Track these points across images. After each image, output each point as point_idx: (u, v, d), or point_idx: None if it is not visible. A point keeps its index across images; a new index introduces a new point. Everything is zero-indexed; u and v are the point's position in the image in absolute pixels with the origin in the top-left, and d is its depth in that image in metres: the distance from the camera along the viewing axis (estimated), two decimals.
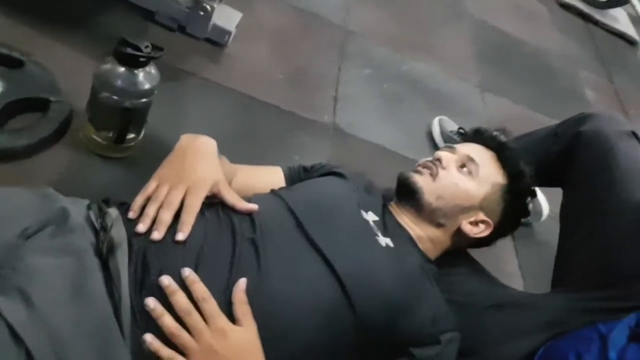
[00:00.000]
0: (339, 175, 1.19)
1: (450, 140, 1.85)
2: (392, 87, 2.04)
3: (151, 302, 0.81)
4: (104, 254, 0.85)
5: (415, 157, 1.81)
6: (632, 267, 1.15)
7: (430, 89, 2.13)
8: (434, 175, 1.14)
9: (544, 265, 1.48)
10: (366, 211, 1.09)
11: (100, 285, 0.81)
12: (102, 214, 0.90)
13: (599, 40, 3.21)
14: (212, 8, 1.69)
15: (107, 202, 0.96)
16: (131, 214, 0.91)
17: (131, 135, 1.32)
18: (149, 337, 0.79)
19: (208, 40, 1.75)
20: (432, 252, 1.16)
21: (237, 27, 1.79)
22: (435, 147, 1.88)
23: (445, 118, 1.93)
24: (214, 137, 1.41)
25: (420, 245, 1.13)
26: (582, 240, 1.24)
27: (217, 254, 0.90)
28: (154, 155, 1.35)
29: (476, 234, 1.16)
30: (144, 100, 1.25)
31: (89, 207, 0.93)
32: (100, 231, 0.86)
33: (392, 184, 1.42)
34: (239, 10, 1.83)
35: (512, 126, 1.94)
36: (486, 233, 1.17)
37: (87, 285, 0.79)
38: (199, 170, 0.98)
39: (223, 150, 1.16)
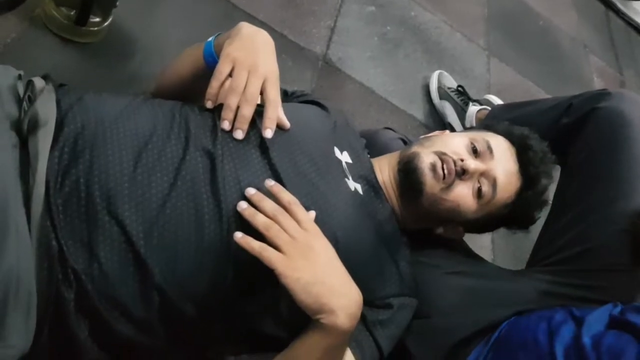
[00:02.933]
0: (322, 107, 1.07)
1: (446, 96, 1.73)
2: (394, 31, 1.89)
3: (244, 204, 0.78)
4: (24, 131, 0.72)
5: (404, 107, 1.70)
6: (611, 262, 1.07)
7: (433, 41, 1.99)
8: (447, 185, 0.99)
9: (517, 243, 1.39)
10: (341, 151, 0.99)
11: (10, 162, 0.69)
12: (29, 85, 0.77)
13: (616, 29, 3.08)
14: None
15: (46, 79, 0.83)
16: (209, 104, 0.87)
17: (96, 19, 1.17)
18: (239, 234, 0.75)
19: None
20: (403, 222, 1.05)
21: None
22: (429, 101, 1.76)
23: (445, 73, 1.81)
24: (185, 44, 1.27)
25: (390, 203, 1.03)
26: (569, 223, 1.14)
27: (162, 153, 0.79)
28: (116, 50, 1.22)
29: (447, 236, 1.09)
30: None
31: (19, 77, 0.80)
32: (24, 102, 0.73)
33: (370, 127, 1.32)
34: None
35: (511, 96, 1.85)
36: (457, 237, 1.12)
37: None
38: (272, 62, 0.90)
39: None
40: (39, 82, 0.78)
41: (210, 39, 0.96)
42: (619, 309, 0.95)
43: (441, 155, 0.99)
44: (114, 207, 0.73)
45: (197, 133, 0.83)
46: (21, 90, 0.78)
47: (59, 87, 0.84)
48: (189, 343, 0.83)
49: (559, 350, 0.89)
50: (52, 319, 0.70)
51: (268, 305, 0.84)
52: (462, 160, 0.98)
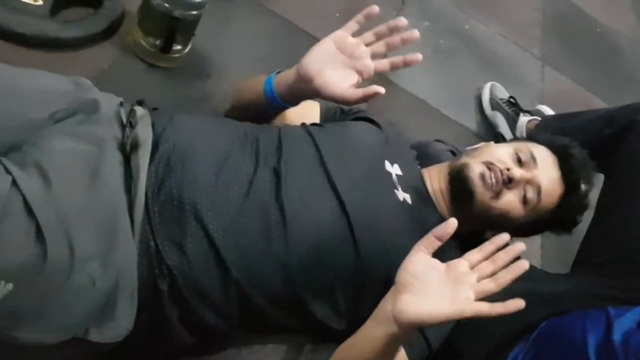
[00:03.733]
0: (374, 123, 1.18)
1: (498, 107, 1.80)
2: (448, 43, 1.98)
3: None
4: (127, 150, 0.87)
5: (457, 118, 1.78)
6: None
7: (486, 52, 2.06)
8: (496, 193, 1.06)
9: (564, 249, 1.45)
10: (392, 164, 1.09)
11: (118, 177, 0.83)
12: (132, 112, 0.92)
13: None
14: None
15: (141, 104, 0.98)
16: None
17: (177, 47, 1.32)
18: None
19: None
20: None
21: None
22: (481, 111, 1.83)
23: (497, 85, 1.88)
24: (254, 62, 1.42)
25: (442, 214, 1.12)
26: (613, 227, 1.21)
27: (238, 169, 0.92)
28: (196, 71, 1.37)
29: None
30: (193, 12, 1.25)
31: (121, 104, 0.95)
32: (127, 127, 0.88)
33: (422, 138, 1.41)
34: None
35: (565, 105, 1.89)
36: None
37: (103, 175, 0.81)
38: None
39: (261, 72, 1.16)
40: (139, 110, 0.93)
41: (272, 74, 1.09)
42: None
43: (489, 165, 1.07)
44: (199, 214, 0.86)
45: (265, 152, 0.96)
46: (124, 116, 0.92)
47: (153, 110, 1.00)
48: (261, 331, 0.96)
49: (591, 348, 0.96)
50: (149, 306, 0.84)
51: (327, 300, 0.96)
52: (508, 169, 1.06)
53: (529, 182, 1.08)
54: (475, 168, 1.08)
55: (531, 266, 1.30)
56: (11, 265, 0.69)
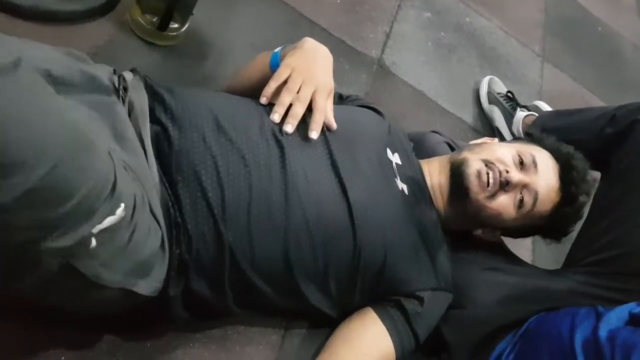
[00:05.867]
0: (377, 111, 1.17)
1: (495, 101, 1.80)
2: (448, 36, 1.97)
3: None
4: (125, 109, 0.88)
5: (454, 110, 1.77)
6: None
7: (487, 46, 2.05)
8: (491, 193, 1.06)
9: (557, 245, 1.44)
10: (393, 152, 1.08)
11: (135, 135, 0.84)
12: (120, 78, 0.92)
13: None
14: None
15: (133, 72, 0.97)
16: (263, 100, 0.98)
17: (175, 25, 1.31)
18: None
19: None
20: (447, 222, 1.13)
21: None
22: (479, 105, 1.83)
23: (495, 79, 1.87)
24: (255, 47, 1.41)
25: (437, 209, 1.12)
26: (607, 227, 1.20)
27: (243, 139, 0.91)
28: (193, 52, 1.36)
29: (485, 238, 1.19)
30: None
31: (114, 72, 0.94)
32: (120, 91, 0.88)
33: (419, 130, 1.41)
34: None
35: (563, 103, 1.89)
36: (494, 239, 1.21)
37: (127, 135, 0.82)
38: (328, 76, 1.01)
39: None
40: (127, 75, 0.93)
41: (277, 49, 1.08)
42: (638, 308, 1.01)
43: (488, 164, 1.07)
44: (200, 181, 0.85)
45: (270, 124, 0.95)
46: (116, 82, 0.92)
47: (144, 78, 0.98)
48: (255, 309, 0.96)
49: (578, 344, 0.96)
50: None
51: (321, 284, 0.96)
52: (507, 171, 1.05)
53: (526, 186, 1.07)
54: (474, 165, 1.07)
55: (523, 262, 1.32)
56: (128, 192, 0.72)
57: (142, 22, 1.29)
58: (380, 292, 1.01)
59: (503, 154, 1.09)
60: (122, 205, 0.69)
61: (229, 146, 0.88)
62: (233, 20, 1.49)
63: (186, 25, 1.33)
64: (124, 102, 0.88)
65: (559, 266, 1.30)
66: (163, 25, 1.28)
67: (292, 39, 1.09)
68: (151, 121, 0.88)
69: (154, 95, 0.92)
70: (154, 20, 1.28)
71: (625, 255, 1.15)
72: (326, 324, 1.04)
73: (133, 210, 0.72)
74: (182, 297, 0.86)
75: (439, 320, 1.07)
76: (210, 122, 0.90)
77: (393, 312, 1.01)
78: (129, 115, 0.87)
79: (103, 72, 0.91)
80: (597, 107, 1.49)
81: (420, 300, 1.02)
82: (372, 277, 0.98)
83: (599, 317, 1.02)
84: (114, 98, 0.87)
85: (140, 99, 0.89)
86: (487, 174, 1.06)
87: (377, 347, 0.98)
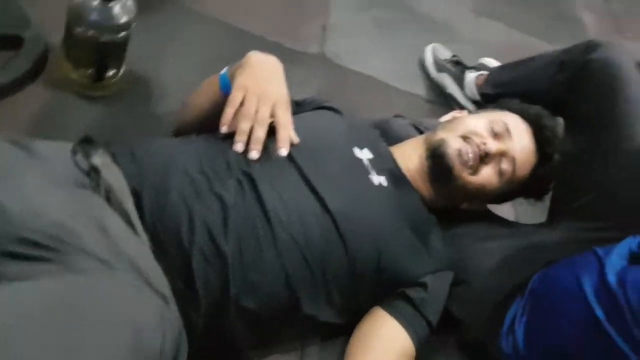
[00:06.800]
0: (333, 110, 1.15)
1: (443, 68, 1.80)
2: (383, 14, 1.95)
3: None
4: (104, 196, 0.82)
5: (407, 88, 1.77)
6: (629, 197, 1.14)
7: (422, 15, 2.05)
8: (474, 169, 1.07)
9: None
10: (361, 148, 1.07)
11: (119, 223, 0.79)
12: (87, 154, 0.86)
13: None
14: None
15: (90, 141, 0.92)
16: (224, 129, 0.93)
17: (111, 72, 1.26)
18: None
19: None
20: (432, 203, 1.13)
21: None
22: (428, 77, 1.83)
23: (438, 46, 1.87)
24: (195, 69, 1.37)
25: (419, 191, 1.11)
26: (583, 173, 1.21)
27: (215, 187, 0.88)
28: (136, 92, 1.31)
29: (471, 208, 1.20)
30: (121, 34, 1.19)
31: (74, 152, 0.87)
32: (91, 173, 0.83)
33: (383, 115, 1.40)
34: None
35: (508, 52, 1.90)
36: (480, 207, 1.23)
37: (111, 228, 0.76)
38: (281, 87, 0.99)
39: (204, 79, 1.12)
40: (88, 149, 0.86)
41: (224, 70, 1.05)
42: (637, 240, 1.02)
43: (465, 139, 1.08)
44: (190, 240, 0.84)
45: (235, 159, 0.92)
46: (82, 162, 0.85)
47: (106, 146, 0.93)
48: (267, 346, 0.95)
49: (590, 294, 0.97)
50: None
51: (325, 299, 0.95)
52: (484, 143, 1.06)
53: (503, 154, 1.09)
54: (453, 144, 1.07)
55: (512, 223, 1.33)
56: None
57: (76, 77, 1.24)
58: (383, 289, 1.01)
59: (476, 125, 1.10)
60: None
61: (207, 196, 0.86)
62: (167, 48, 1.45)
63: (122, 69, 1.28)
64: (98, 185, 0.82)
65: (543, 219, 1.32)
66: (99, 75, 1.23)
67: (230, 54, 1.06)
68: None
69: (121, 165, 0.88)
70: (89, 72, 1.23)
71: (604, 192, 1.16)
72: (339, 332, 1.03)
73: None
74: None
75: (445, 300, 1.07)
76: (181, 177, 0.87)
77: (400, 305, 1.01)
78: (108, 199, 0.82)
79: (62, 153, 0.85)
80: (544, 53, 1.50)
81: (423, 285, 1.02)
82: (372, 277, 0.98)
83: (600, 261, 1.03)
84: (87, 191, 0.82)
85: (115, 178, 0.84)
86: (467, 149, 1.06)
87: (394, 343, 0.98)
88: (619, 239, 1.07)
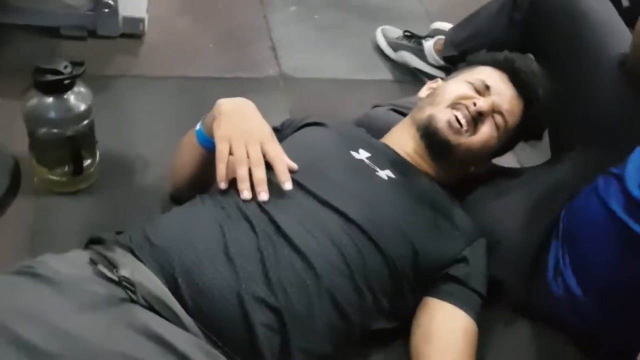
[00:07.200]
0: (315, 124, 1.15)
1: (399, 47, 1.80)
2: (323, 16, 1.96)
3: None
4: (142, 302, 0.80)
5: (371, 77, 1.77)
6: (620, 112, 1.14)
7: (360, 4, 2.05)
8: (472, 132, 1.07)
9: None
10: (357, 150, 1.06)
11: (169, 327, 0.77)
12: (109, 263, 0.83)
13: None
14: (115, 1, 1.58)
15: (102, 241, 0.89)
16: (222, 185, 0.92)
17: (88, 161, 1.24)
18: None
19: (124, 35, 1.64)
20: (443, 179, 1.12)
21: (147, 10, 1.68)
22: (387, 59, 1.82)
23: (387, 27, 1.87)
24: (166, 128, 1.37)
25: (426, 172, 1.11)
26: (567, 101, 1.21)
27: (241, 243, 0.86)
28: (118, 172, 1.29)
29: (479, 170, 1.19)
30: (85, 122, 1.17)
31: (94, 262, 0.84)
32: (123, 283, 0.79)
33: (358, 111, 1.39)
34: None
35: (459, 11, 1.89)
36: (486, 166, 1.22)
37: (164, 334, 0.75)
38: (260, 123, 0.98)
39: (180, 136, 1.11)
40: (118, 258, 0.83)
41: (197, 126, 1.04)
42: None
43: (455, 106, 1.07)
44: (236, 313, 0.81)
45: (248, 208, 0.90)
46: (107, 271, 0.81)
47: (117, 235, 0.91)
48: None
49: (619, 211, 0.97)
50: None
51: (376, 310, 0.93)
52: (474, 104, 1.06)
53: (494, 109, 1.09)
54: (441, 116, 1.07)
55: (520, 170, 1.32)
56: None
57: (55, 178, 1.22)
58: (426, 279, 0.99)
59: (459, 88, 1.10)
60: None
61: (239, 259, 0.84)
62: (133, 119, 1.44)
63: (97, 156, 1.27)
64: (135, 296, 0.79)
65: (546, 157, 1.31)
66: (78, 169, 1.21)
67: (196, 105, 1.06)
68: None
69: (143, 259, 0.85)
70: (66, 170, 1.21)
71: (596, 116, 1.16)
72: (398, 335, 1.01)
73: None
74: None
75: (487, 267, 1.05)
76: (208, 249, 0.85)
77: (448, 287, 1.00)
78: (151, 308, 0.79)
79: (81, 276, 0.81)
80: (490, 1, 1.50)
81: (464, 260, 1.02)
82: (412, 272, 0.97)
83: (619, 178, 1.02)
84: (125, 306, 0.78)
85: (146, 278, 0.81)
86: (458, 117, 1.06)
87: (455, 326, 0.97)
88: (627, 154, 1.06)
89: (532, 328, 1.11)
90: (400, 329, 1.00)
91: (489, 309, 1.09)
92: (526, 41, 1.31)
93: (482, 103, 1.06)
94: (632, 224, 0.95)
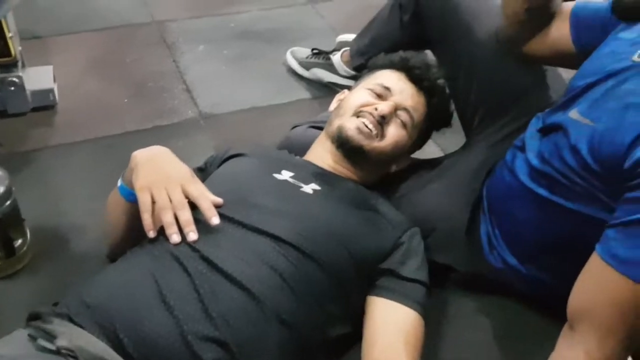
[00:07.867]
0: (236, 156, 1.17)
1: (310, 65, 1.85)
2: (231, 48, 2.00)
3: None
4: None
5: (288, 99, 1.81)
6: (515, 84, 1.22)
7: (266, 31, 2.10)
8: (379, 135, 1.12)
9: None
10: (279, 172, 1.10)
11: None
12: (48, 335, 0.82)
13: None
14: (20, 78, 1.57)
15: (40, 316, 0.89)
16: (151, 234, 0.94)
17: (19, 242, 1.22)
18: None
19: (35, 108, 1.64)
20: (366, 181, 1.17)
21: (54, 80, 1.67)
22: (302, 79, 1.87)
23: (295, 48, 1.92)
24: (94, 191, 1.36)
25: (347, 177, 1.15)
26: (465, 85, 1.28)
27: (176, 287, 0.87)
28: (53, 244, 1.28)
29: (400, 167, 1.24)
30: (7, 203, 1.16)
31: (33, 338, 0.83)
32: (62, 352, 0.79)
33: (282, 135, 1.42)
34: (47, 64, 1.71)
35: (360, 20, 1.96)
36: (407, 162, 1.27)
37: None
38: (178, 166, 1.00)
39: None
40: (57, 333, 0.82)
41: (118, 183, 1.05)
42: (540, 120, 1.09)
43: (358, 115, 1.13)
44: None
45: (179, 250, 0.91)
46: (46, 343, 0.81)
47: (54, 306, 0.90)
48: None
49: (525, 180, 1.04)
50: None
51: (326, 320, 0.96)
52: (376, 109, 1.12)
53: (397, 109, 1.14)
54: (349, 125, 1.12)
55: (439, 159, 1.38)
56: None
57: None
58: (367, 278, 1.02)
59: (360, 98, 1.16)
60: None
61: (178, 302, 0.84)
62: (56, 190, 1.43)
63: (28, 234, 1.25)
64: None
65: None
66: (10, 251, 1.19)
67: (121, 163, 1.05)
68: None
69: (83, 324, 0.85)
70: None
71: (495, 97, 1.24)
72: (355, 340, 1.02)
73: None
74: None
75: (423, 254, 1.08)
76: (144, 299, 0.85)
77: (385, 282, 1.01)
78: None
79: (22, 345, 0.81)
80: (384, 5, 1.57)
81: (401, 245, 1.05)
82: (354, 272, 0.99)
83: (521, 149, 1.09)
84: None
85: (87, 342, 0.81)
86: (364, 123, 1.11)
87: (396, 321, 0.97)
88: (525, 125, 1.13)
89: (485, 303, 1.16)
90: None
91: (441, 292, 1.14)
92: (419, 38, 1.38)
93: (383, 107, 1.12)
94: (538, 189, 1.01)
